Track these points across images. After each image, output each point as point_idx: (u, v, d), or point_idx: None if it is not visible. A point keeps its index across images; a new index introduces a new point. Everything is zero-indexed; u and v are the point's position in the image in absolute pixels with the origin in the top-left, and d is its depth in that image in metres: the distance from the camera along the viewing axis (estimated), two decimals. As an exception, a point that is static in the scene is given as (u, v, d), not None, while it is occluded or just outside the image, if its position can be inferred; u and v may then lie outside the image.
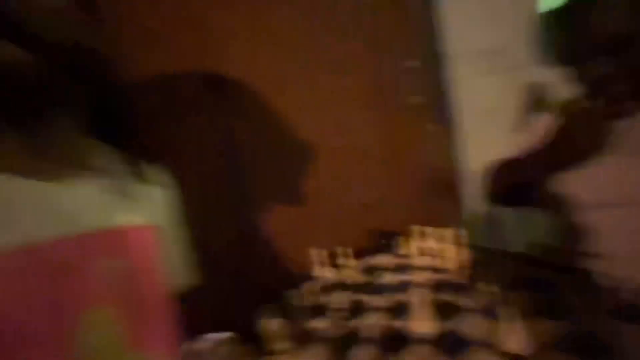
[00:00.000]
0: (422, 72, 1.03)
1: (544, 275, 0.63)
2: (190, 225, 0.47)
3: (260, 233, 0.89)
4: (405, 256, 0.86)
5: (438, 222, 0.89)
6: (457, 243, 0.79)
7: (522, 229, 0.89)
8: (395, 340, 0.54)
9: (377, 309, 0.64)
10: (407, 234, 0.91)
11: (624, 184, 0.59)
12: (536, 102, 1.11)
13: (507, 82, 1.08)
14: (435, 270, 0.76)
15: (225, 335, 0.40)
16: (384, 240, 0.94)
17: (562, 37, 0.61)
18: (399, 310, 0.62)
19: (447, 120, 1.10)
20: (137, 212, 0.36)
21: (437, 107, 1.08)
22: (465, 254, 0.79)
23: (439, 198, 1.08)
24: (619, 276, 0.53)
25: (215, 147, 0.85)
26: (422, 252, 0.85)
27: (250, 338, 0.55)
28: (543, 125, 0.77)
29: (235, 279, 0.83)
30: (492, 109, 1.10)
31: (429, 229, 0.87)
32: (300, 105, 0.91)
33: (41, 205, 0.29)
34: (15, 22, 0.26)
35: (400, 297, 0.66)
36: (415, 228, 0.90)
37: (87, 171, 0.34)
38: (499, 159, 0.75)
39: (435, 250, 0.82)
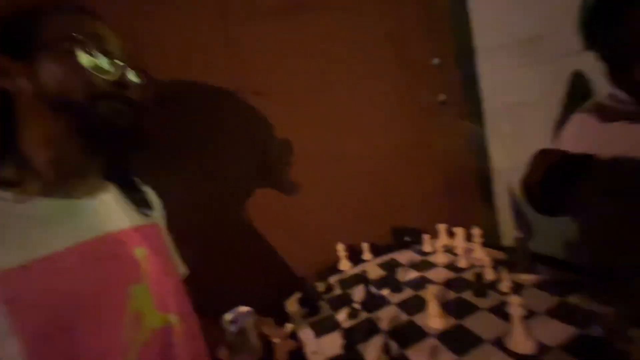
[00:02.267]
0: (449, 68, 1.01)
1: (568, 278, 0.61)
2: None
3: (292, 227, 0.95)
4: (429, 253, 0.87)
5: (465, 220, 0.89)
6: (481, 242, 0.79)
7: (554, 231, 0.84)
8: (407, 334, 0.57)
9: (393, 303, 0.68)
10: (432, 232, 0.92)
11: None
12: (578, 93, 1.03)
13: (542, 73, 1.02)
14: (456, 268, 0.76)
15: (247, 308, 0.47)
16: (408, 237, 0.96)
17: (603, 35, 0.56)
18: (414, 305, 0.64)
19: (476, 117, 1.07)
20: (145, 215, 0.49)
21: (465, 104, 1.05)
22: (488, 254, 0.78)
23: (465, 196, 1.06)
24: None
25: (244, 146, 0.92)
26: (446, 250, 0.86)
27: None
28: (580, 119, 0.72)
29: (264, 268, 0.91)
30: (523, 103, 1.04)
31: (455, 228, 0.86)
32: (329, 107, 0.94)
33: (84, 213, 0.40)
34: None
35: (417, 292, 0.69)
36: (441, 226, 0.90)
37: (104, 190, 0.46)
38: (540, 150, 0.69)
39: (459, 248, 0.82)
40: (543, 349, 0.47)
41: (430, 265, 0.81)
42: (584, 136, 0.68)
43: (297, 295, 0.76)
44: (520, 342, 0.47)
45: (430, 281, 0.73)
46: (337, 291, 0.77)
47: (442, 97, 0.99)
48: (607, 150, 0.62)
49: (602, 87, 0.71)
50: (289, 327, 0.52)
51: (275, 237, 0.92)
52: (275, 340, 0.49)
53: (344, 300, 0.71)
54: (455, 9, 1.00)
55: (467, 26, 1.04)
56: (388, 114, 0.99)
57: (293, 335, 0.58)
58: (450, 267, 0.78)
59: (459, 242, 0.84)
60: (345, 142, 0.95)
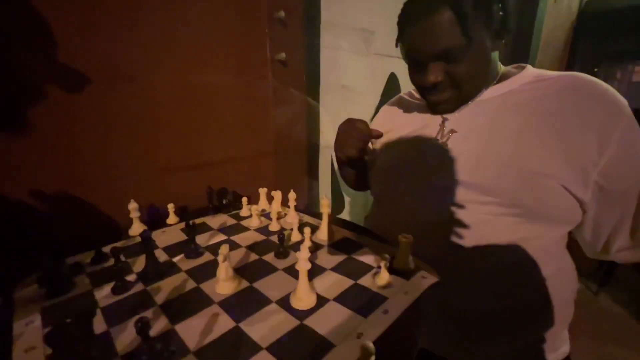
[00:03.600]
0: (293, 27, 0.96)
1: (359, 240, 0.68)
2: None
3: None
4: (245, 217, 0.80)
5: (288, 187, 0.87)
6: (294, 206, 0.78)
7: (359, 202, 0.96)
8: (185, 305, 0.46)
9: (183, 270, 0.56)
10: (255, 196, 0.86)
11: None
12: (391, 88, 1.21)
13: (370, 66, 1.14)
14: (267, 231, 0.72)
15: None
16: (227, 200, 0.86)
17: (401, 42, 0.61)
18: (208, 271, 0.55)
19: (314, 92, 1.08)
20: None
21: (305, 72, 1.03)
22: (300, 217, 0.78)
23: (293, 165, 1.07)
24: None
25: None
26: (263, 215, 0.81)
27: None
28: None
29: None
30: (352, 88, 1.14)
31: (274, 192, 0.83)
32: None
33: None
34: None
35: (215, 257, 0.59)
36: (262, 190, 0.85)
37: None
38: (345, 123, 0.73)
39: (274, 212, 0.78)
40: (321, 301, 0.47)
41: (242, 229, 0.74)
42: (386, 123, 0.77)
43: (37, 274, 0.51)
44: (302, 298, 0.46)
45: (236, 245, 0.66)
46: (112, 262, 0.57)
47: (282, 55, 0.93)
48: (400, 133, 0.71)
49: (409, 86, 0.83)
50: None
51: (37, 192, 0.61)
52: None
53: (119, 272, 0.53)
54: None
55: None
56: (222, 58, 0.84)
57: None
58: (262, 230, 0.73)
59: (276, 206, 0.81)
60: (156, 71, 0.74)
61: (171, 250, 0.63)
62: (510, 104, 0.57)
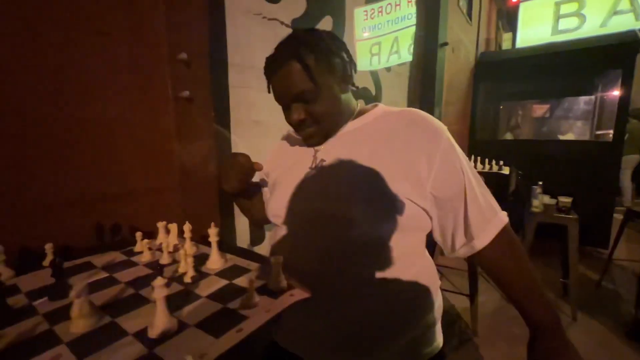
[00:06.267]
0: (198, 67, 1.02)
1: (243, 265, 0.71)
2: None
3: None
4: (138, 253, 0.78)
5: (198, 220, 0.87)
6: (189, 237, 0.79)
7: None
8: (31, 347, 0.44)
9: (41, 313, 0.52)
10: (152, 230, 0.84)
11: None
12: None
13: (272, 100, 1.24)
14: (157, 265, 0.71)
15: None
16: (119, 236, 0.83)
17: None
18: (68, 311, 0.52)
19: (225, 125, 1.13)
20: None
21: (214, 108, 1.09)
22: (195, 249, 0.79)
23: (202, 197, 1.08)
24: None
25: None
26: (158, 249, 0.80)
27: None
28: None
29: None
30: (259, 121, 1.22)
31: (170, 225, 0.83)
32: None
33: None
34: None
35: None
36: (160, 224, 0.84)
37: None
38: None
39: (169, 245, 0.78)
40: (182, 327, 0.48)
41: (130, 265, 0.72)
42: (275, 156, 0.85)
43: None
44: (159, 326, 0.46)
45: (115, 281, 0.64)
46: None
47: (185, 93, 0.98)
48: (284, 165, 0.79)
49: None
50: None
51: None
52: None
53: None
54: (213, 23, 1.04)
55: (223, 39, 1.11)
56: (120, 94, 0.86)
57: None
58: (151, 264, 0.72)
59: (172, 239, 0.81)
60: (48, 106, 0.73)
61: (35, 293, 0.59)
62: (364, 134, 0.68)
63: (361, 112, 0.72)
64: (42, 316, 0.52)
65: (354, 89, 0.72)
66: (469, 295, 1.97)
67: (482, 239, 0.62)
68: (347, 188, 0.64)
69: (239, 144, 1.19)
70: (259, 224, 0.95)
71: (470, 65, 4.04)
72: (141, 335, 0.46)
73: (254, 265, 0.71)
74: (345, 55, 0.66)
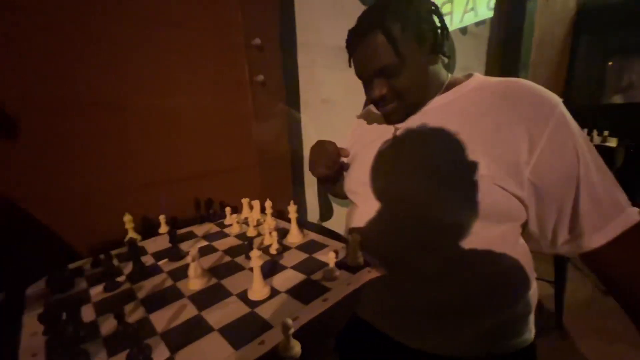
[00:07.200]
0: (271, 52, 1.06)
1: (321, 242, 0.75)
2: None
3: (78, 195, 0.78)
4: (228, 226, 0.89)
5: (275, 197, 0.96)
6: (271, 213, 0.86)
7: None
8: (161, 299, 0.55)
9: (165, 272, 0.65)
10: (236, 205, 0.95)
11: None
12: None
13: (346, 78, 1.22)
14: (245, 237, 0.81)
15: None
16: (213, 210, 0.95)
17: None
18: (185, 271, 0.64)
19: (295, 105, 1.17)
20: None
21: (285, 91, 1.13)
22: (275, 223, 0.87)
23: (277, 175, 1.16)
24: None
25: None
26: (243, 222, 0.90)
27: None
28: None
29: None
30: (331, 100, 1.23)
31: (253, 201, 0.92)
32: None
33: None
34: None
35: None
36: (244, 200, 0.94)
37: None
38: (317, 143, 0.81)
39: (253, 219, 0.87)
40: (274, 293, 0.55)
41: (223, 236, 0.83)
42: (354, 134, 0.85)
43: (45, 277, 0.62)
44: (257, 290, 0.54)
45: (214, 249, 0.75)
46: (107, 265, 0.68)
47: (260, 77, 1.03)
48: (363, 143, 0.79)
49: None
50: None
51: (42, 207, 0.73)
52: None
53: (109, 275, 0.63)
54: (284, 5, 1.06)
55: (292, 21, 1.12)
56: (205, 82, 0.95)
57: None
58: (240, 236, 0.82)
59: (255, 214, 0.90)
60: (146, 97, 0.85)
61: (158, 255, 0.72)
62: (453, 110, 0.62)
63: (452, 85, 0.66)
64: (166, 274, 0.64)
65: (444, 58, 0.66)
66: (554, 282, 1.78)
67: (595, 238, 0.52)
68: (422, 171, 0.61)
69: (308, 123, 1.22)
70: (338, 197, 0.99)
71: (570, 14, 3.35)
72: (243, 296, 0.54)
73: (329, 241, 0.75)
74: (436, 20, 0.60)
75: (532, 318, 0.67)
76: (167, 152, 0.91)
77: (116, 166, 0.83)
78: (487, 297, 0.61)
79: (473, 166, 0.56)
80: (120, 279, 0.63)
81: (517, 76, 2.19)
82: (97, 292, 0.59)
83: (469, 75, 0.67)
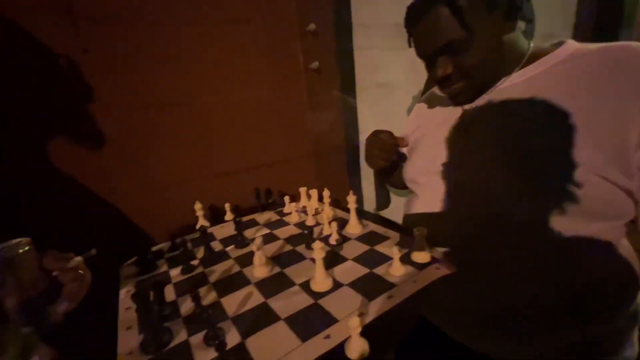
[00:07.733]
0: (326, 38, 1.03)
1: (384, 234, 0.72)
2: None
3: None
4: (287, 214, 0.91)
5: (331, 185, 0.95)
6: (329, 203, 0.86)
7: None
8: (230, 283, 0.58)
9: (232, 258, 0.69)
10: (294, 194, 0.96)
11: None
12: (429, 83, 1.18)
13: (404, 60, 1.13)
14: (304, 226, 0.82)
15: (21, 239, 0.40)
16: (272, 199, 0.98)
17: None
18: (251, 258, 0.66)
19: (350, 91, 1.13)
20: None
21: (340, 76, 1.10)
22: (333, 213, 0.86)
23: (333, 163, 1.14)
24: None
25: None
26: (302, 211, 0.91)
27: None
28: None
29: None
30: (389, 84, 1.15)
31: (311, 190, 0.92)
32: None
33: None
34: None
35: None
36: (302, 189, 0.95)
37: None
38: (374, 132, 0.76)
39: (311, 208, 0.88)
40: (337, 285, 0.54)
41: (283, 224, 0.85)
42: (416, 119, 0.79)
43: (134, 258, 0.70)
44: (320, 281, 0.54)
45: (275, 237, 0.77)
46: (182, 249, 0.74)
47: (315, 64, 1.01)
48: (427, 127, 0.73)
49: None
50: (75, 260, 0.46)
51: (127, 195, 0.82)
52: (55, 272, 0.43)
53: (185, 258, 0.69)
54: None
55: (348, 3, 1.07)
56: (261, 75, 0.96)
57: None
58: (299, 225, 0.83)
59: (313, 203, 0.90)
60: (209, 94, 0.89)
61: (225, 241, 0.77)
62: (539, 86, 0.53)
63: (536, 56, 0.56)
64: (233, 260, 0.68)
65: (523, 23, 0.56)
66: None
67: None
68: (500, 159, 0.53)
69: (364, 109, 1.18)
70: (395, 187, 0.94)
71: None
72: (305, 286, 0.55)
73: (390, 233, 0.72)
74: None
75: (637, 333, 0.57)
76: (230, 145, 0.95)
77: (189, 160, 0.89)
78: (575, 308, 0.52)
79: (565, 153, 0.47)
80: (194, 262, 0.68)
81: (617, 35, 1.79)
82: (175, 273, 0.65)
83: (559, 44, 0.56)
